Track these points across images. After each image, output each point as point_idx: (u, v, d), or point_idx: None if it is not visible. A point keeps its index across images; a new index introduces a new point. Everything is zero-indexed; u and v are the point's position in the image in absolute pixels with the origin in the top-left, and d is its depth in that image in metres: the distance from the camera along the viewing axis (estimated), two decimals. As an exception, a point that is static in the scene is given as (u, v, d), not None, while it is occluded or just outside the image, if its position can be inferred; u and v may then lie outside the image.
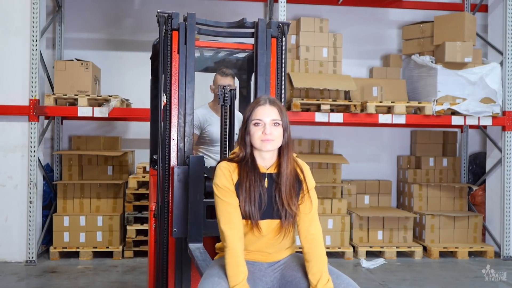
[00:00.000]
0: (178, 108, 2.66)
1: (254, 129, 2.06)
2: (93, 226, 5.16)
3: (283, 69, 2.84)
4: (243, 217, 2.08)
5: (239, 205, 2.08)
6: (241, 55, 3.35)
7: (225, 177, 2.09)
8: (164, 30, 2.66)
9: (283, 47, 2.85)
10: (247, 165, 2.10)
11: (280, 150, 2.11)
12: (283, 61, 2.85)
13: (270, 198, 2.11)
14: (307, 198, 2.16)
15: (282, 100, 2.81)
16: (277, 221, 2.11)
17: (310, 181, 2.18)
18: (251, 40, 2.84)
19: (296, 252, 2.29)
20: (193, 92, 2.68)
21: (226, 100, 2.63)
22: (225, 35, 2.91)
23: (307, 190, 2.16)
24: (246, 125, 2.10)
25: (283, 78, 2.84)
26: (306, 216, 2.15)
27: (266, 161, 2.12)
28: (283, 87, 2.86)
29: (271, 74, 2.80)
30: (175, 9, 2.74)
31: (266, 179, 2.12)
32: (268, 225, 2.12)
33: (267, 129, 2.04)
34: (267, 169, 2.13)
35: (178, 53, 2.66)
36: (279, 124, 2.07)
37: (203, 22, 2.76)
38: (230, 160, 2.16)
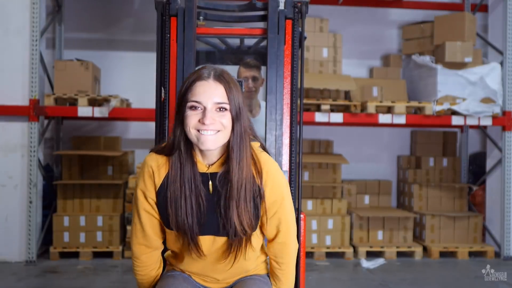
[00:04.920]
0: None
1: (189, 113, 1.54)
2: (93, 226, 5.16)
3: (301, 58, 2.35)
4: (176, 229, 1.60)
5: (169, 215, 1.59)
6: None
7: (145, 176, 1.63)
8: (161, 17, 2.37)
9: (301, 31, 2.38)
10: (180, 159, 1.58)
11: (229, 145, 1.58)
12: (301, 48, 2.38)
13: (213, 208, 1.60)
14: (270, 220, 1.65)
15: (299, 100, 2.35)
16: (224, 239, 1.61)
17: (274, 192, 1.62)
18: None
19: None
20: None
21: None
22: (232, 20, 2.53)
23: (266, 208, 1.62)
24: (180, 106, 1.57)
25: (300, 69, 2.31)
26: (272, 243, 1.70)
27: (208, 156, 1.61)
28: (299, 81, 2.33)
29: (284, 64, 2.32)
30: (177, 3, 2.49)
31: (210, 182, 1.61)
32: (211, 244, 1.63)
33: (207, 116, 1.51)
34: (209, 166, 1.62)
35: (177, 42, 2.34)
36: (225, 109, 1.54)
37: (205, 6, 2.44)
38: (160, 151, 1.65)
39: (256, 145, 1.70)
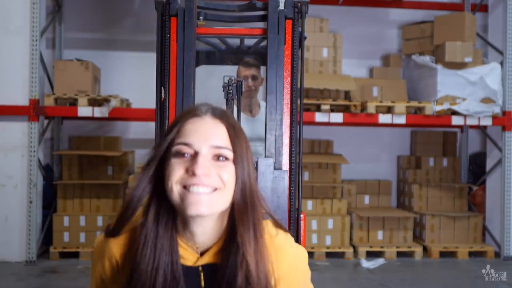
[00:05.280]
0: (175, 105, 2.27)
1: (173, 162, 1.06)
2: (93, 226, 5.16)
3: (301, 58, 2.33)
4: None
5: None
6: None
7: (104, 267, 1.17)
8: (161, 17, 2.35)
9: (301, 31, 2.37)
10: (149, 229, 1.08)
11: (233, 213, 1.10)
12: (301, 48, 2.36)
13: None
14: None
15: (299, 100, 2.29)
16: None
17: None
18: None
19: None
20: (192, 86, 2.27)
21: (230, 93, 2.27)
22: (232, 20, 2.50)
23: None
24: (158, 154, 1.11)
25: (300, 69, 2.27)
26: None
27: (198, 234, 1.10)
28: (299, 81, 2.29)
29: (284, 64, 2.28)
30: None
31: (202, 279, 1.10)
32: None
33: (200, 164, 1.04)
34: (200, 256, 1.11)
35: (177, 42, 2.31)
36: (227, 158, 1.08)
37: (205, 6, 2.41)
38: (117, 230, 1.13)
39: (268, 223, 1.18)
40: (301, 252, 1.18)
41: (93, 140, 5.68)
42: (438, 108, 5.31)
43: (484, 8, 6.26)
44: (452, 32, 5.53)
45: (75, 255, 5.14)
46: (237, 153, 1.09)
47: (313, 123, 5.39)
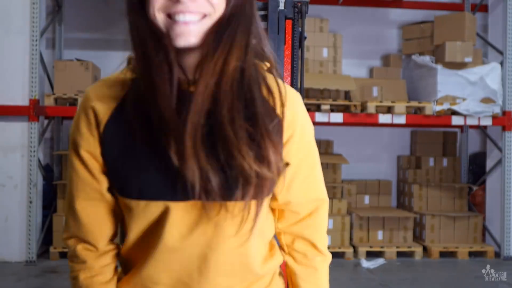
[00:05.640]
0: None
1: None
2: (93, 226, 5.15)
3: (301, 58, 2.32)
4: (136, 196, 0.95)
5: (117, 171, 0.97)
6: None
7: (79, 122, 1.00)
8: None
9: (301, 31, 2.35)
10: (149, 61, 0.93)
11: (219, 35, 0.92)
12: (301, 48, 2.34)
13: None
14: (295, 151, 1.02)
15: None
16: (219, 205, 0.92)
17: (301, 122, 1.05)
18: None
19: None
20: None
21: None
22: None
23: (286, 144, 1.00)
24: None
25: (300, 69, 2.25)
26: (292, 214, 1.08)
27: (186, 62, 0.95)
28: (300, 81, 2.29)
29: (284, 64, 2.28)
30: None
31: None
32: (197, 215, 0.94)
33: None
34: (189, 83, 0.95)
35: None
36: None
37: None
38: (107, 80, 1.06)
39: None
40: (299, 96, 1.08)
41: (93, 140, 5.67)
42: (438, 108, 5.31)
43: (484, 8, 6.26)
44: (452, 32, 5.53)
45: (75, 255, 5.14)
46: None
47: (313, 123, 5.34)
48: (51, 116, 5.48)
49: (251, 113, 0.93)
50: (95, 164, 1.00)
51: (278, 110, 0.98)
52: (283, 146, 0.99)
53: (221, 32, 0.92)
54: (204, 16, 0.92)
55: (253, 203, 0.94)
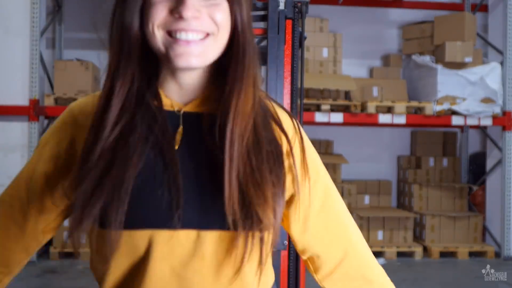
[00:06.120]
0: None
1: (154, 2, 0.86)
2: (93, 226, 5.15)
3: (302, 58, 2.32)
4: (100, 225, 0.83)
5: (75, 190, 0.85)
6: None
7: (56, 125, 0.96)
8: None
9: (301, 31, 2.35)
10: (128, 81, 0.87)
11: (226, 62, 0.89)
12: (302, 48, 2.35)
13: (189, 173, 0.86)
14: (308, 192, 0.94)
15: (300, 100, 2.27)
16: (218, 234, 0.84)
17: (311, 159, 0.97)
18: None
19: None
20: None
21: None
22: None
23: (304, 172, 0.94)
24: None
25: (300, 69, 2.26)
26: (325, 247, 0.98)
27: (183, 86, 0.91)
28: (299, 81, 2.28)
29: (285, 64, 2.25)
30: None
31: (181, 128, 0.90)
32: (191, 246, 0.85)
33: (187, 4, 0.83)
34: (185, 105, 0.91)
35: None
36: None
37: None
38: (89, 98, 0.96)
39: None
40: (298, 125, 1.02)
41: (93, 140, 5.67)
42: (438, 108, 5.31)
43: (484, 8, 6.26)
44: (452, 32, 5.53)
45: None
46: None
47: (313, 123, 5.39)
48: (51, 116, 5.47)
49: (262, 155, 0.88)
50: (59, 167, 0.93)
51: (292, 150, 0.94)
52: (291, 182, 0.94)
53: (234, 60, 0.88)
54: (207, 35, 0.86)
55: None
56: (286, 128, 0.95)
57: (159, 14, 0.85)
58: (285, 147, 0.93)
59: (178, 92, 0.91)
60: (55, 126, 0.96)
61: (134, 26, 0.89)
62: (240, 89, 0.86)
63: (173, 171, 0.84)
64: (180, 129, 0.89)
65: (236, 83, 0.86)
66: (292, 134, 0.96)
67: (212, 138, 0.86)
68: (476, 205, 6.11)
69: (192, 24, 0.84)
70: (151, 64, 0.90)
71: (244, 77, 0.87)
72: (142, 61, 0.89)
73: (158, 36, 0.85)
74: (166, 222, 0.83)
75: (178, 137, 0.89)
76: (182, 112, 0.90)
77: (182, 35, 0.84)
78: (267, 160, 0.87)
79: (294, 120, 0.99)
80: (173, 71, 0.89)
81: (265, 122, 0.91)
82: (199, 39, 0.85)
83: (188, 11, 0.83)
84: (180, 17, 0.83)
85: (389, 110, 5.35)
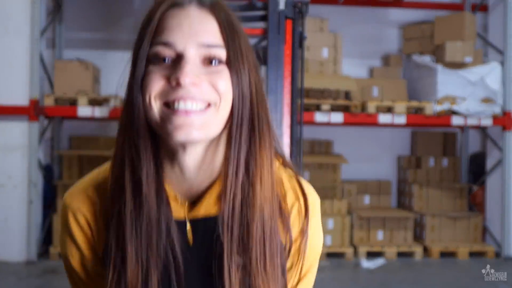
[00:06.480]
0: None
1: (151, 71, 0.80)
2: (93, 226, 5.15)
3: (302, 58, 2.29)
4: None
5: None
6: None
7: (72, 232, 0.91)
8: None
9: (301, 31, 2.33)
10: (137, 190, 0.82)
11: (230, 134, 0.82)
12: (302, 48, 2.33)
13: (197, 278, 0.84)
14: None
15: (300, 102, 2.24)
16: None
17: (313, 248, 0.92)
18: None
19: None
20: None
21: None
22: None
23: (300, 267, 0.89)
24: (134, 61, 0.85)
25: (300, 68, 2.23)
26: None
27: (186, 174, 0.83)
28: (299, 81, 2.28)
29: (285, 64, 2.25)
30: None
31: (190, 235, 0.85)
32: None
33: (186, 70, 0.77)
34: (189, 206, 0.85)
35: None
36: (221, 61, 0.81)
37: None
38: (88, 182, 0.96)
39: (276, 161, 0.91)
40: (315, 197, 0.94)
41: (93, 140, 5.67)
42: (438, 108, 5.31)
43: (484, 8, 6.26)
44: (453, 32, 5.53)
45: (75, 255, 5.14)
46: (231, 51, 0.80)
47: (313, 123, 5.39)
48: (51, 116, 5.48)
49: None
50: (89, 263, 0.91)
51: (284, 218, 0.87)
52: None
53: (240, 135, 0.81)
54: (209, 105, 0.79)
55: None
56: (292, 221, 0.87)
57: (156, 84, 0.79)
58: (288, 245, 0.87)
59: (182, 183, 0.84)
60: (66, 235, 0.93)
61: (139, 102, 0.81)
62: (251, 174, 0.80)
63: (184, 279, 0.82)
64: (190, 235, 0.85)
65: (239, 166, 0.80)
66: (296, 233, 0.88)
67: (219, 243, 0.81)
68: (476, 205, 6.11)
69: (191, 91, 0.77)
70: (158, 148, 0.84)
71: (262, 155, 0.81)
72: (153, 145, 0.82)
73: (155, 108, 0.79)
74: None
75: (191, 239, 0.85)
76: (186, 221, 0.84)
77: (180, 105, 0.77)
78: (276, 253, 0.83)
79: (306, 202, 0.89)
80: (174, 151, 0.82)
81: (272, 221, 0.83)
82: (200, 109, 0.78)
83: (186, 77, 0.76)
84: (178, 85, 0.77)
85: (389, 110, 5.35)
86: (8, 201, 4.94)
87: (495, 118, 5.38)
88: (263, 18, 2.39)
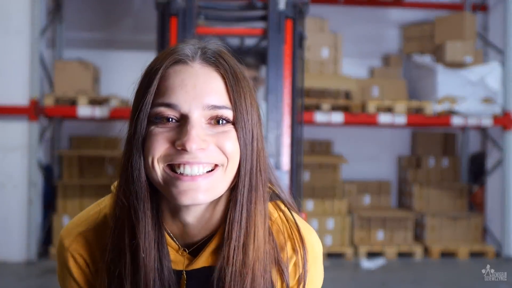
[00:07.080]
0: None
1: (154, 132, 0.77)
2: (93, 226, 5.14)
3: (302, 58, 2.31)
4: None
5: None
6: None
7: (72, 273, 0.87)
8: (161, 17, 2.32)
9: (302, 30, 2.34)
10: (127, 231, 0.81)
11: (235, 195, 0.81)
12: (302, 47, 2.34)
13: None
14: None
15: (300, 102, 2.26)
16: None
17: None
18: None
19: None
20: None
21: None
22: (233, 20, 2.46)
23: None
24: (134, 119, 0.80)
25: (300, 68, 2.24)
26: None
27: (189, 227, 0.83)
28: (300, 80, 2.28)
29: (285, 64, 2.25)
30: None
31: (184, 279, 0.85)
32: None
33: (191, 134, 0.75)
34: (187, 257, 0.85)
35: (177, 41, 2.27)
36: (228, 121, 0.79)
37: (205, 5, 2.38)
38: (87, 222, 0.89)
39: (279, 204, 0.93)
40: (320, 242, 0.92)
41: (93, 140, 5.67)
42: (439, 108, 5.31)
43: (484, 8, 6.25)
44: (453, 32, 5.53)
45: (75, 255, 5.13)
46: (237, 111, 0.78)
47: (313, 123, 5.38)
48: (51, 116, 5.48)
49: None
50: None
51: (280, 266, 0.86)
52: None
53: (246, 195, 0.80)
54: (216, 166, 0.78)
55: None
56: (290, 271, 0.86)
57: (160, 147, 0.76)
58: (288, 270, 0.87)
59: (183, 234, 0.84)
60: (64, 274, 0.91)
61: (140, 164, 0.78)
62: (255, 231, 0.79)
63: None
64: (182, 285, 0.85)
65: (236, 228, 0.79)
66: (294, 281, 0.87)
67: None
68: (477, 205, 6.11)
69: (197, 156, 0.75)
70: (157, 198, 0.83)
71: (250, 218, 0.80)
72: (153, 199, 0.81)
73: (158, 171, 0.77)
74: None
75: (183, 284, 0.85)
76: (184, 272, 0.84)
77: (186, 170, 0.75)
78: None
79: (305, 255, 0.87)
80: (176, 209, 0.81)
81: (264, 277, 0.82)
82: (206, 171, 0.77)
83: (192, 143, 0.74)
84: (184, 150, 0.75)
85: (389, 110, 5.35)
86: (8, 201, 4.94)
87: (495, 118, 5.38)
88: (263, 18, 2.39)
